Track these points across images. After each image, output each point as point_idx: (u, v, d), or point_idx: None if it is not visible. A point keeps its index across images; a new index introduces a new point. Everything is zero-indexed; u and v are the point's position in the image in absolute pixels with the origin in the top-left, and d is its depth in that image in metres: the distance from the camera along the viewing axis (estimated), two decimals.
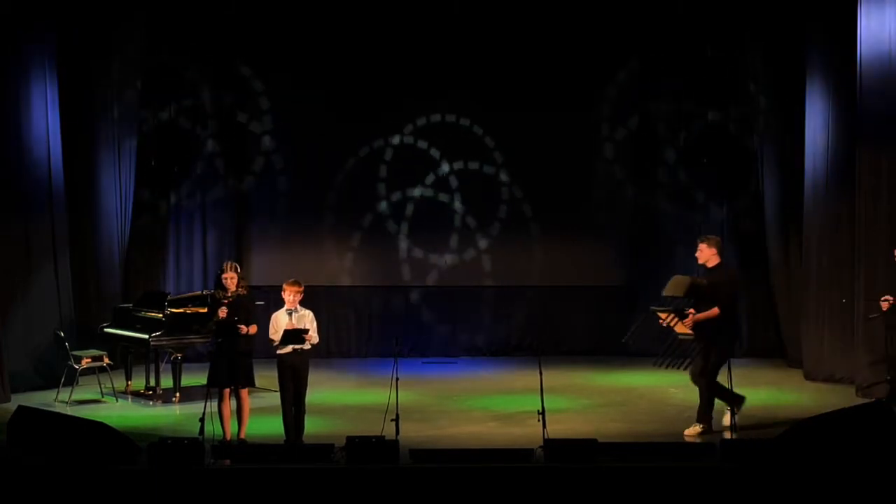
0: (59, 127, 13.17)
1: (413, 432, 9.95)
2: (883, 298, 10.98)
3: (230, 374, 9.59)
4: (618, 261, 15.44)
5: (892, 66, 11.68)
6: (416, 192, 15.38)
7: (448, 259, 15.13)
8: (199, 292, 12.92)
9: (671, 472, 8.30)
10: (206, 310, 11.59)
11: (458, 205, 15.40)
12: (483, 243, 15.44)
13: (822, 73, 13.02)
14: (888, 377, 11.28)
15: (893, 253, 11.05)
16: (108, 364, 11.99)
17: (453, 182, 15.41)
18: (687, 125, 15.24)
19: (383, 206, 15.37)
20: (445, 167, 15.36)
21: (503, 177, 15.39)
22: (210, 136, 15.13)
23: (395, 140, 15.34)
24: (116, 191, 14.27)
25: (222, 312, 9.55)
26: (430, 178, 15.41)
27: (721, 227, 15.11)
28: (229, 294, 9.69)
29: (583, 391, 12.58)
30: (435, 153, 15.38)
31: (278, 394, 9.79)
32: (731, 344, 10.35)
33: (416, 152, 15.37)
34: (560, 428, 10.14)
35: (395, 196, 15.40)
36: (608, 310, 15.38)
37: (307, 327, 9.60)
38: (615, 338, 15.29)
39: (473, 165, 15.43)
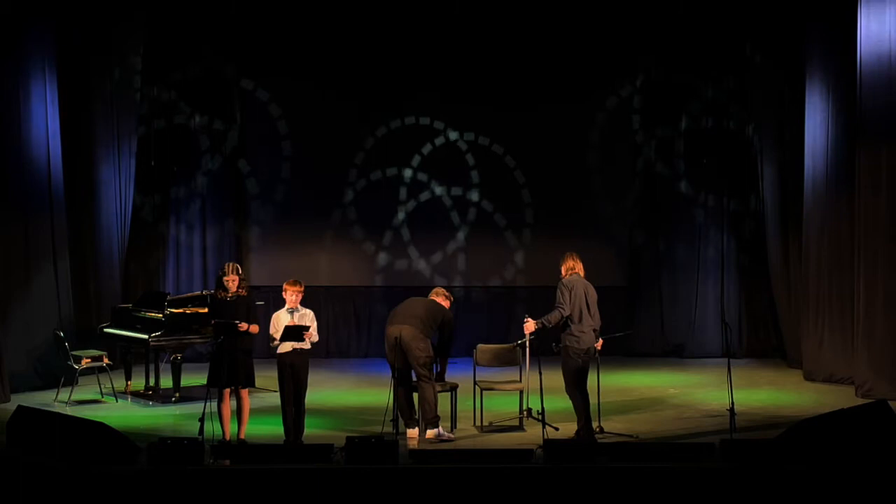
0: (59, 127, 13.17)
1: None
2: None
3: (230, 374, 9.58)
4: (618, 261, 15.43)
5: (892, 66, 11.67)
6: (411, 199, 15.46)
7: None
8: (199, 292, 12.92)
9: (671, 473, 8.29)
10: (206, 310, 11.60)
11: (441, 188, 15.43)
12: (483, 243, 15.46)
13: (822, 73, 13.01)
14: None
15: None
16: (107, 364, 11.97)
17: (458, 180, 15.48)
18: (686, 125, 15.24)
19: (394, 210, 15.44)
20: (428, 178, 15.45)
21: (510, 179, 15.44)
22: (210, 137, 15.13)
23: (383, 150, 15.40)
24: (116, 191, 14.27)
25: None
26: (417, 187, 15.47)
27: (720, 227, 15.12)
28: (230, 295, 9.69)
29: None
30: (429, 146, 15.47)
31: (278, 394, 9.79)
32: None
33: (399, 170, 15.46)
34: (559, 427, 10.16)
35: (395, 198, 15.43)
36: (608, 310, 15.28)
37: (308, 325, 9.61)
38: (615, 338, 15.33)
39: (477, 169, 15.48)
